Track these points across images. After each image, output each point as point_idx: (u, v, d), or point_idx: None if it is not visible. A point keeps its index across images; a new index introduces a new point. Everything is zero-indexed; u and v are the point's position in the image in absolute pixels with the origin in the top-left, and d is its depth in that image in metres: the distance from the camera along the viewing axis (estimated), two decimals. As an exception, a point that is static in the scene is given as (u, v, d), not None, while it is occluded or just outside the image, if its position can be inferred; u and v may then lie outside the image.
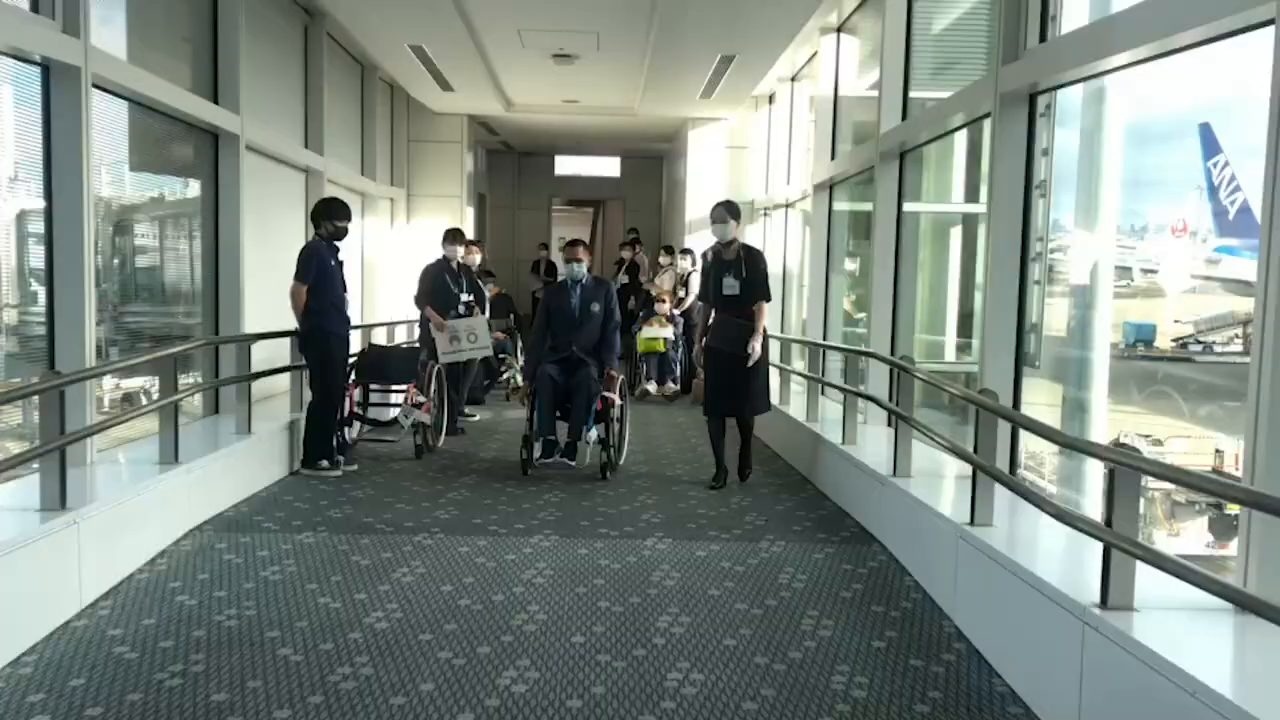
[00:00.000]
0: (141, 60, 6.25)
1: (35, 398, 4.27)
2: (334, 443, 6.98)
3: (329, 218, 6.82)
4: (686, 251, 11.96)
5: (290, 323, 6.94)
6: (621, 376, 7.44)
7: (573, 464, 6.96)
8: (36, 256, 5.33)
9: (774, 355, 9.37)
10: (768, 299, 6.52)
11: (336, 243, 6.85)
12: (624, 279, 13.38)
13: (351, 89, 11.42)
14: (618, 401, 7.17)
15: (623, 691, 3.49)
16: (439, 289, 8.50)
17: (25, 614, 3.83)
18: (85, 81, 5.17)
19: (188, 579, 4.62)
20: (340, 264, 6.90)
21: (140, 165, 6.96)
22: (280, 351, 7.45)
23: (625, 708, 3.36)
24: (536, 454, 7.02)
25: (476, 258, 9.73)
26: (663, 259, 12.31)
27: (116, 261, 6.64)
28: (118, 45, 6.07)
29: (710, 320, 6.70)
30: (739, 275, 6.44)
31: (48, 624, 3.95)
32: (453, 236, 8.88)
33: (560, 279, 7.44)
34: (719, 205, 6.64)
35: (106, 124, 5.93)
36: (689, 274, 11.59)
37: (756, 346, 6.43)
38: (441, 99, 12.70)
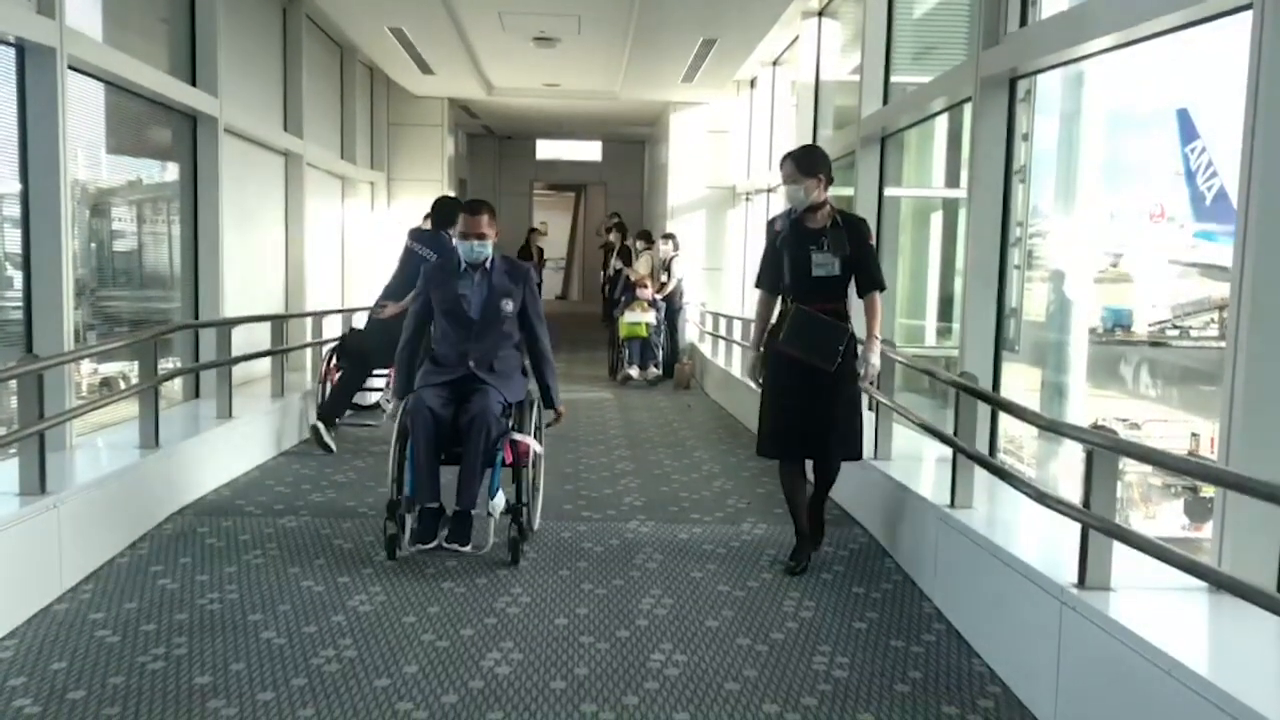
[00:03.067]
0: (118, 41, 6.19)
1: (13, 382, 4.24)
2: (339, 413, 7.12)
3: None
4: (669, 236, 11.95)
5: (268, 306, 6.91)
6: (539, 416, 5.06)
7: (465, 548, 4.46)
8: (12, 240, 5.28)
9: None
10: (883, 286, 4.56)
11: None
12: (617, 264, 13.38)
13: (331, 72, 11.33)
14: (534, 449, 4.86)
15: (606, 672, 3.51)
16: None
17: (5, 598, 3.81)
18: (60, 63, 5.11)
19: (169, 563, 4.60)
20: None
21: (118, 148, 6.89)
22: (261, 335, 7.41)
23: (608, 688, 3.39)
24: (409, 532, 4.58)
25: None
26: (639, 244, 12.30)
27: (94, 245, 6.58)
28: (93, 26, 6.00)
29: (777, 314, 4.61)
30: (838, 251, 4.43)
31: (28, 608, 3.93)
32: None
33: (456, 260, 4.84)
34: (788, 157, 4.55)
35: (83, 106, 5.86)
36: (670, 259, 11.58)
37: (875, 360, 4.54)
38: (422, 82, 12.63)
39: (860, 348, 4.56)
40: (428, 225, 8.18)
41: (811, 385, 4.43)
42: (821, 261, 4.42)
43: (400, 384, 4.82)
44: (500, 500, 4.60)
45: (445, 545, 4.42)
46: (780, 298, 4.59)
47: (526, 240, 17.16)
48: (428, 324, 4.85)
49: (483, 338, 4.69)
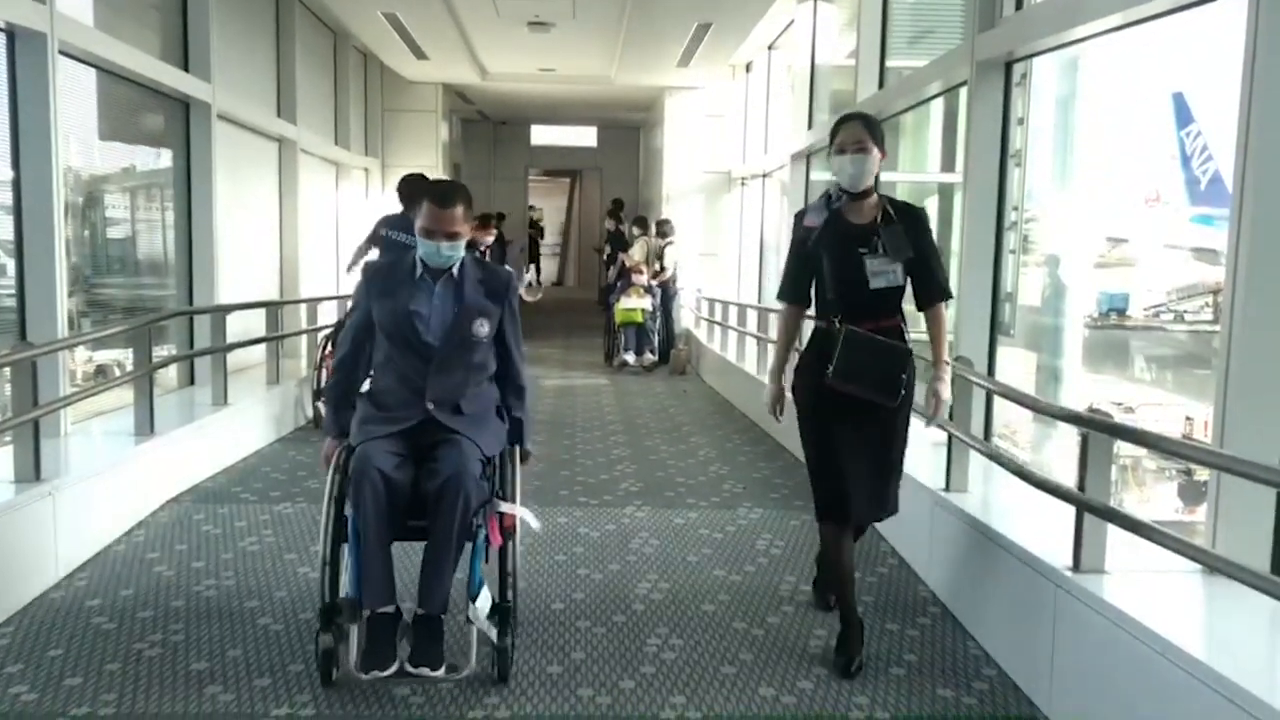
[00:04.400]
0: (109, 26, 6.15)
1: (7, 369, 4.24)
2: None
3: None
4: (664, 222, 11.91)
5: (262, 293, 6.90)
6: (522, 463, 3.61)
7: (437, 671, 3.14)
8: (5, 228, 5.25)
9: (751, 324, 9.43)
10: (949, 295, 3.59)
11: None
12: (609, 249, 13.38)
13: (324, 57, 11.28)
14: (524, 521, 3.45)
15: (602, 657, 3.52)
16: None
17: (1, 585, 3.81)
18: (51, 48, 5.08)
19: (165, 550, 4.60)
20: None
21: (110, 134, 6.86)
22: (256, 322, 7.40)
23: (605, 672, 3.40)
24: (354, 647, 3.18)
25: (490, 239, 9.52)
26: (635, 230, 12.28)
27: (87, 232, 6.56)
28: (84, 11, 5.96)
29: (813, 335, 3.58)
30: (899, 254, 3.40)
31: (25, 595, 3.93)
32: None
33: (411, 261, 3.45)
34: (854, 119, 3.58)
35: (74, 92, 5.83)
36: (663, 247, 11.55)
37: (946, 393, 3.58)
38: (416, 67, 12.57)
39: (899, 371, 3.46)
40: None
41: (868, 426, 3.43)
42: (880, 269, 3.38)
43: (331, 423, 3.45)
44: (485, 600, 3.26)
45: (409, 669, 3.10)
46: (818, 313, 3.55)
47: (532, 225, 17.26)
48: (366, 348, 3.46)
49: (446, 370, 3.32)
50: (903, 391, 3.39)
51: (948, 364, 3.58)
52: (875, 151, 3.46)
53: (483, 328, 3.38)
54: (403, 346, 3.34)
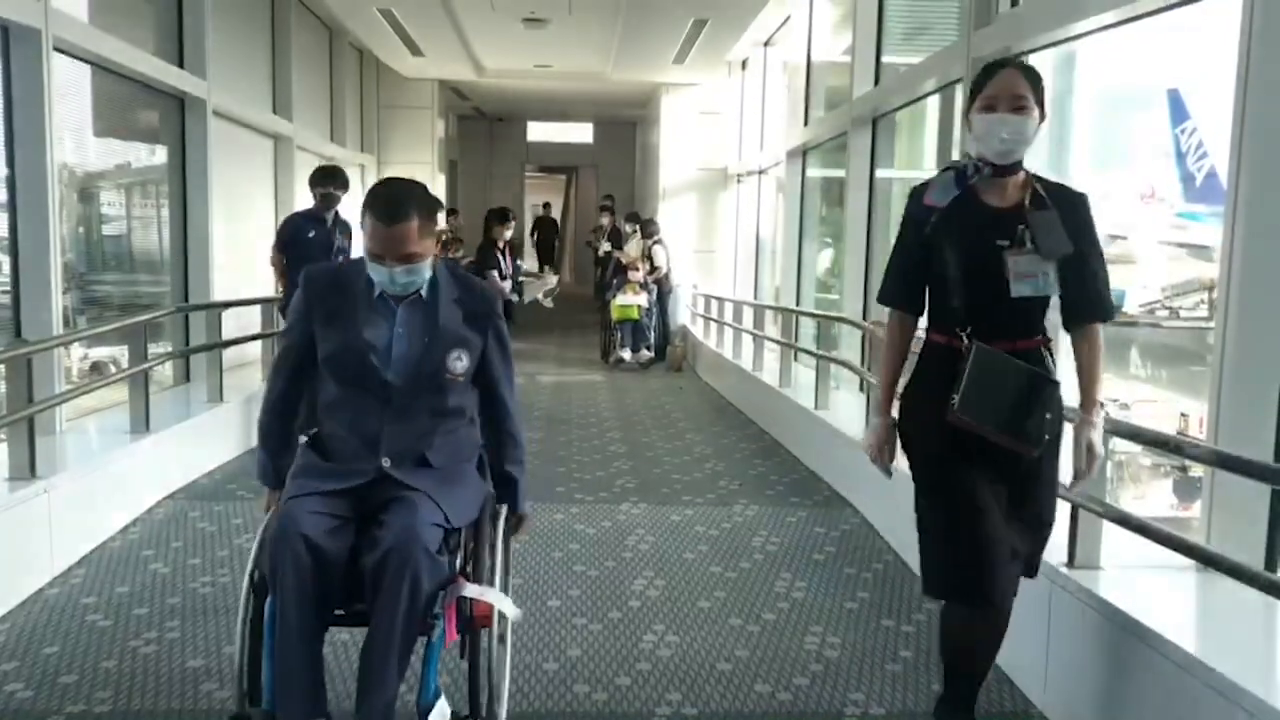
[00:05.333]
0: (104, 23, 6.13)
1: (2, 367, 4.23)
2: None
3: (315, 184, 6.34)
4: (649, 222, 11.89)
5: (258, 290, 6.89)
6: (515, 531, 3.02)
7: None
8: None
9: (747, 321, 9.43)
10: (1111, 313, 2.72)
11: (327, 213, 6.27)
12: (607, 246, 13.35)
13: (320, 54, 11.27)
14: (501, 610, 2.60)
15: (599, 654, 3.52)
16: None
17: (-4, 583, 3.81)
18: (46, 44, 5.07)
19: (161, 547, 4.60)
20: (328, 232, 6.30)
21: (105, 131, 6.85)
22: (251, 319, 7.39)
23: (601, 669, 3.40)
24: None
25: (510, 233, 9.42)
26: (628, 227, 12.27)
27: (82, 229, 6.55)
28: (79, 7, 5.95)
29: (925, 355, 2.75)
30: (1055, 248, 2.55)
31: (20, 592, 3.92)
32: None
33: (365, 277, 2.63)
34: (1007, 68, 2.61)
35: (69, 89, 5.82)
36: (650, 246, 11.52)
37: (1098, 443, 2.64)
38: (412, 64, 12.56)
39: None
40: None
41: (1012, 475, 2.59)
42: (1025, 269, 2.51)
43: (267, 468, 2.76)
44: (443, 709, 2.51)
45: None
46: (934, 325, 2.68)
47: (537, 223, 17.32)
48: (306, 378, 2.71)
49: (408, 416, 2.60)
50: (1047, 438, 2.56)
51: (1102, 406, 2.64)
52: (1036, 112, 2.53)
53: (459, 362, 2.62)
54: (353, 386, 2.59)
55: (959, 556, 2.58)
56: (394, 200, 2.52)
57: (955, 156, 5.93)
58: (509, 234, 9.18)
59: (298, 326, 2.68)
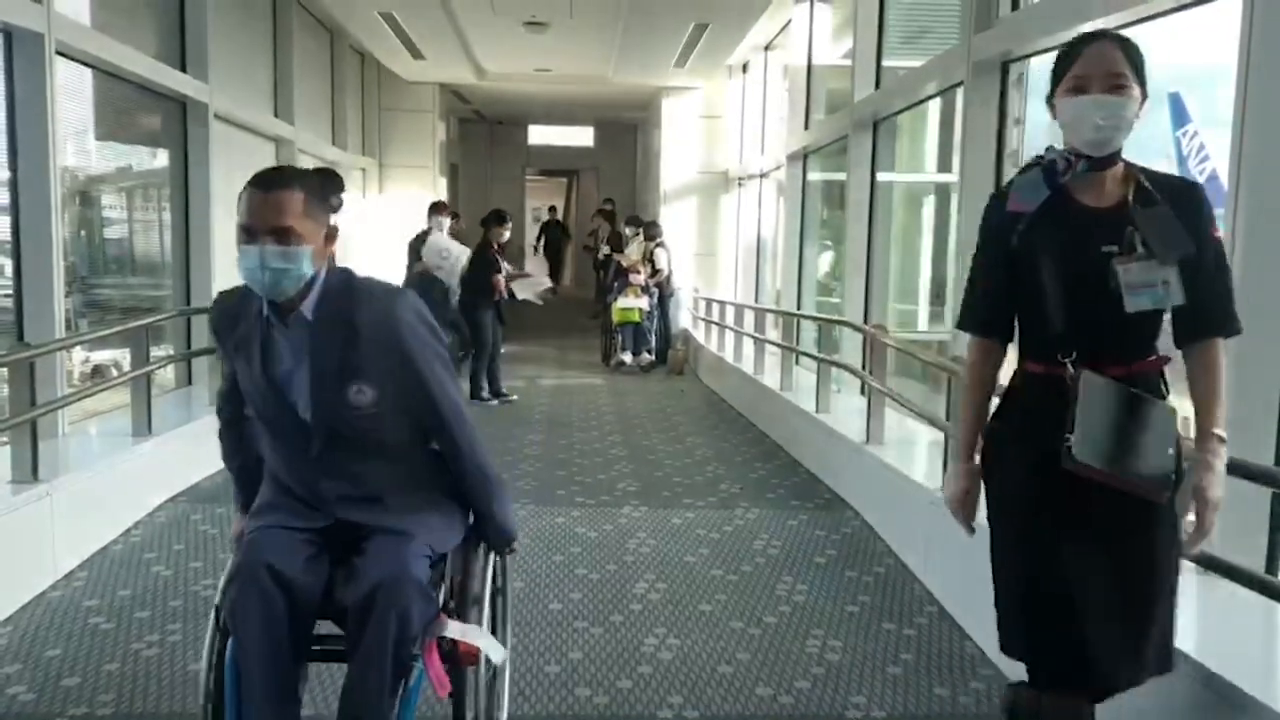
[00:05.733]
0: (106, 27, 6.15)
1: (4, 370, 4.24)
2: None
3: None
4: (652, 224, 11.90)
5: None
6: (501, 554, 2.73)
7: None
8: (2, 228, 5.25)
9: (748, 324, 9.44)
10: (1236, 326, 2.19)
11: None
12: (605, 249, 13.37)
13: (321, 57, 11.28)
14: (488, 654, 2.35)
15: (600, 656, 3.53)
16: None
17: (-1, 586, 3.82)
18: (48, 49, 5.08)
19: (163, 550, 4.61)
20: None
21: (107, 135, 6.86)
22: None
23: (602, 672, 3.40)
24: None
25: (508, 234, 9.35)
26: (628, 230, 12.27)
27: (84, 233, 6.56)
28: (81, 11, 5.96)
29: (1020, 387, 2.28)
30: (1174, 249, 2.08)
31: (22, 595, 3.93)
32: (438, 208, 8.83)
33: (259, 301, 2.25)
34: (1101, 40, 2.16)
35: (71, 93, 5.83)
36: (653, 249, 11.53)
37: (1217, 489, 2.13)
38: (413, 67, 12.57)
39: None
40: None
41: (1117, 534, 2.13)
42: (1140, 278, 2.07)
43: (237, 493, 2.58)
44: None
45: None
46: (1029, 351, 2.24)
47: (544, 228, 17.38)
48: (243, 416, 2.45)
49: (340, 459, 2.26)
50: (1173, 477, 2.11)
51: (1220, 439, 2.14)
52: (1137, 91, 2.11)
53: (362, 395, 2.19)
54: (275, 430, 2.30)
55: (1046, 630, 2.16)
56: (276, 171, 2.23)
57: (955, 159, 5.93)
58: (506, 235, 9.19)
59: (228, 368, 2.40)
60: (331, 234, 2.23)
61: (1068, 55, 2.16)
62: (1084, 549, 2.13)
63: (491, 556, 2.59)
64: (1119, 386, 2.10)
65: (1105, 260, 2.09)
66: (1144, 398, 2.12)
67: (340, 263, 2.34)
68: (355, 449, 2.25)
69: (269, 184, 2.14)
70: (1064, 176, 2.14)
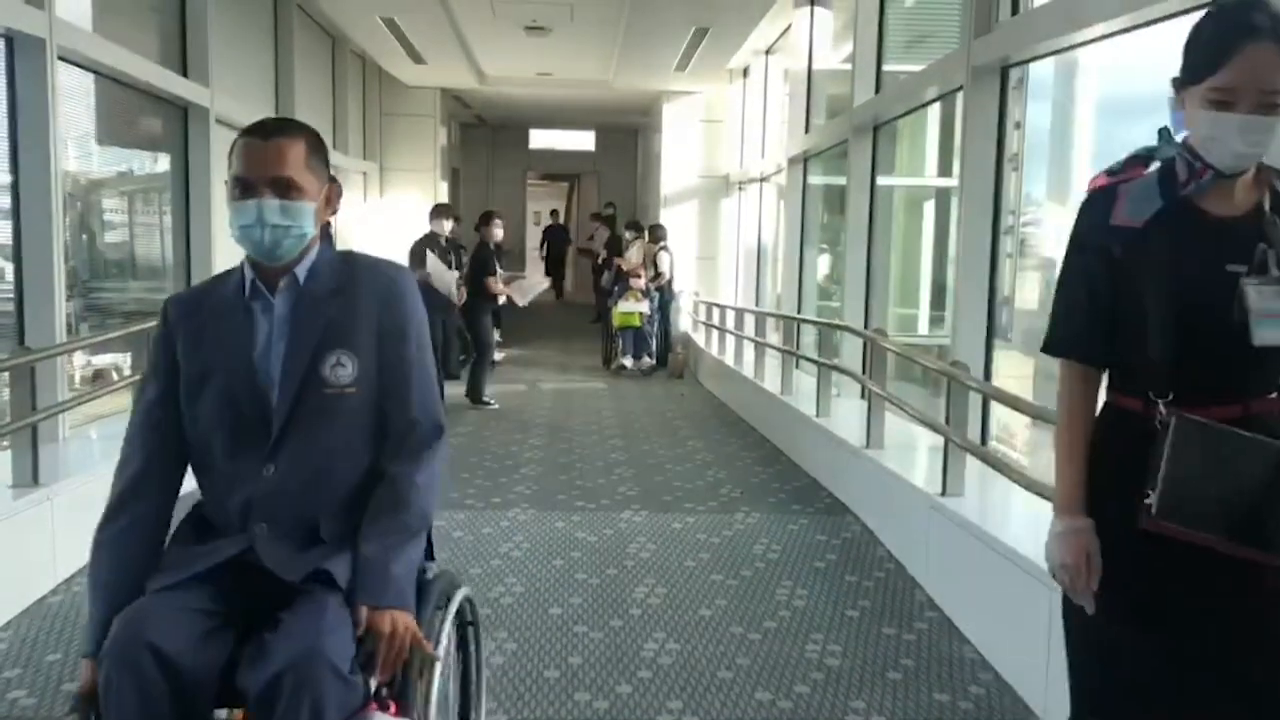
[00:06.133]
0: (108, 31, 6.15)
1: (5, 374, 4.25)
2: None
3: None
4: (657, 227, 11.91)
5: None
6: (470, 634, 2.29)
7: None
8: (3, 232, 5.26)
9: (749, 328, 9.44)
10: None
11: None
12: (603, 253, 13.40)
13: (322, 62, 11.30)
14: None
15: (600, 661, 3.52)
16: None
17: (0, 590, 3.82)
18: (50, 53, 5.09)
19: (163, 555, 4.60)
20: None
21: (108, 139, 6.87)
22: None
23: (602, 677, 3.40)
24: None
25: (499, 232, 9.32)
26: (629, 234, 12.27)
27: (85, 237, 6.57)
28: (83, 16, 5.97)
29: (1107, 428, 1.86)
30: None
31: (23, 600, 3.93)
32: (441, 211, 8.82)
33: (240, 281, 2.01)
34: (1259, 38, 1.63)
35: (73, 97, 5.84)
36: (657, 252, 11.54)
37: None
38: (414, 72, 12.59)
39: None
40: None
41: (1236, 619, 1.76)
42: (1273, 305, 1.72)
43: (91, 623, 1.93)
44: None
45: None
46: (1119, 384, 1.88)
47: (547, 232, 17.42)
48: (174, 449, 1.99)
49: (296, 455, 1.91)
50: None
51: None
52: None
53: (342, 368, 1.91)
54: (232, 422, 1.91)
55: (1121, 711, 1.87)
56: (278, 120, 2.03)
57: (956, 162, 5.93)
58: (499, 235, 9.20)
59: (158, 372, 1.97)
60: (332, 196, 2.01)
61: (1214, 48, 1.70)
62: (1188, 640, 1.74)
63: (453, 606, 2.07)
64: (1227, 432, 1.72)
65: (1232, 281, 1.72)
66: (1262, 442, 1.72)
67: None
68: (314, 447, 1.90)
69: (268, 131, 1.92)
70: (1186, 188, 1.77)
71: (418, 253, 8.33)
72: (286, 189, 1.89)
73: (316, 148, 1.99)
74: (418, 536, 1.93)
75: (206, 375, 1.93)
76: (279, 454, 1.89)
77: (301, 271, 1.96)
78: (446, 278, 8.27)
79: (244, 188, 1.88)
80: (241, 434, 1.91)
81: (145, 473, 1.97)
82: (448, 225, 8.69)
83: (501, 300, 9.00)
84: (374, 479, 1.94)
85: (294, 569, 1.84)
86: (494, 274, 8.77)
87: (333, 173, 2.10)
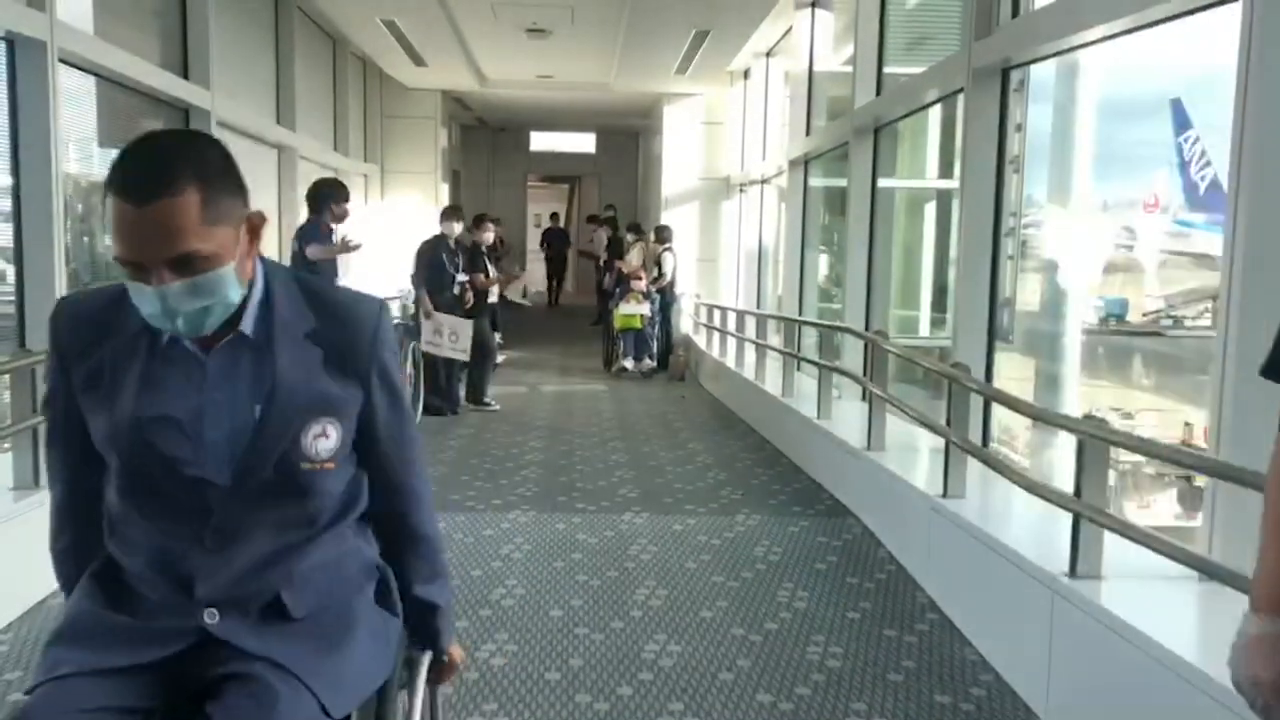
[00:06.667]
0: (109, 34, 6.16)
1: (6, 376, 4.25)
2: None
3: (337, 200, 6.68)
4: (662, 228, 11.91)
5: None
6: (439, 681, 1.87)
7: None
8: (4, 235, 5.27)
9: (749, 330, 9.44)
10: None
11: (335, 225, 6.63)
12: (604, 255, 13.42)
13: (323, 64, 11.30)
14: None
15: (600, 663, 3.52)
16: (435, 266, 8.35)
17: (0, 592, 3.81)
18: (51, 56, 5.09)
19: (164, 557, 4.60)
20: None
21: (110, 142, 6.87)
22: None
23: (603, 679, 3.40)
24: None
25: (489, 235, 9.31)
26: (629, 236, 12.27)
27: (86, 240, 6.57)
28: (84, 19, 5.97)
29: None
30: None
31: (23, 602, 3.93)
32: (451, 214, 8.77)
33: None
34: None
35: (74, 100, 5.85)
36: (661, 253, 11.54)
37: None
38: (415, 74, 12.60)
39: None
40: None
41: None
42: None
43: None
44: None
45: None
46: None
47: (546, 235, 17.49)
48: (89, 498, 1.62)
49: (243, 536, 1.54)
50: None
51: None
52: None
53: (324, 440, 1.55)
54: (146, 492, 1.53)
55: None
56: (151, 161, 1.41)
57: (957, 164, 5.92)
58: (489, 238, 9.20)
59: (58, 392, 1.57)
60: (255, 224, 1.52)
61: None
62: None
63: (420, 692, 1.76)
64: None
65: None
66: None
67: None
68: (268, 524, 1.54)
69: (144, 193, 1.37)
70: None
71: (425, 253, 8.32)
72: (188, 265, 1.40)
73: (216, 182, 1.43)
74: (447, 570, 1.81)
75: (106, 425, 1.51)
76: (225, 536, 1.51)
77: (247, 325, 1.52)
78: (460, 329, 8.26)
79: (134, 272, 1.41)
80: (156, 504, 1.52)
81: (75, 512, 1.65)
82: (457, 227, 8.65)
83: (493, 299, 9.03)
84: (345, 528, 1.63)
85: (264, 651, 1.50)
86: (487, 274, 8.76)
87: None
